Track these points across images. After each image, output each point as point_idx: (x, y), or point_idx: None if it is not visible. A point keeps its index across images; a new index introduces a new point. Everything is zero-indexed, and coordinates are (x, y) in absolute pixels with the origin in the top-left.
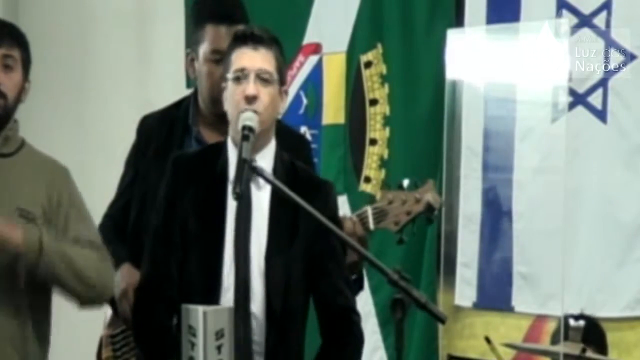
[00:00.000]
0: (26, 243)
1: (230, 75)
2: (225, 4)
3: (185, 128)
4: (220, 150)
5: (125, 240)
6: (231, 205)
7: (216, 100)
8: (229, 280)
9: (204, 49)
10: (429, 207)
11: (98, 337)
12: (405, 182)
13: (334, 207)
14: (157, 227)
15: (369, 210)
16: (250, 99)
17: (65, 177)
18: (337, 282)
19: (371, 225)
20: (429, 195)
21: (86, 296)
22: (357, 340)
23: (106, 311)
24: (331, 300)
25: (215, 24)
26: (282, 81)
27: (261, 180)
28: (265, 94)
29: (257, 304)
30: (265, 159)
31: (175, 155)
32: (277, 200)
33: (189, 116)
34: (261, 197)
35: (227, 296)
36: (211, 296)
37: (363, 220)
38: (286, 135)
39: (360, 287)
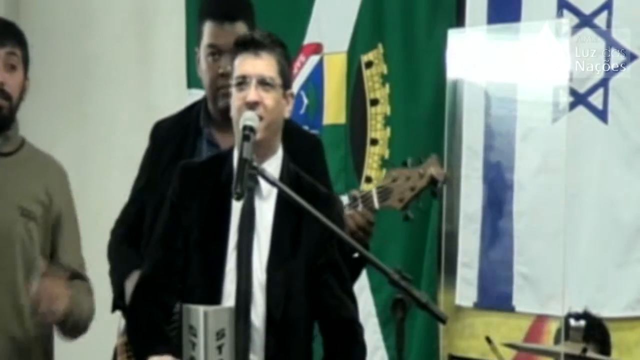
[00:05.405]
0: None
1: (233, 82)
2: (224, 2)
3: (197, 131)
4: (226, 159)
5: (139, 247)
6: (235, 214)
7: (215, 96)
8: (230, 289)
9: (202, 45)
10: (433, 181)
11: (112, 346)
12: (409, 160)
13: (338, 220)
14: (160, 234)
15: (373, 190)
16: (252, 105)
17: (64, 181)
18: (340, 294)
19: (376, 205)
20: (432, 169)
21: (74, 335)
22: (361, 351)
23: (120, 320)
24: (334, 313)
25: (212, 21)
26: (287, 85)
27: (264, 191)
28: (268, 98)
29: (257, 315)
30: (271, 167)
31: (182, 164)
32: (281, 212)
33: (200, 118)
34: (264, 208)
35: (228, 305)
36: (211, 304)
37: (367, 200)
38: (299, 136)
39: (361, 268)
